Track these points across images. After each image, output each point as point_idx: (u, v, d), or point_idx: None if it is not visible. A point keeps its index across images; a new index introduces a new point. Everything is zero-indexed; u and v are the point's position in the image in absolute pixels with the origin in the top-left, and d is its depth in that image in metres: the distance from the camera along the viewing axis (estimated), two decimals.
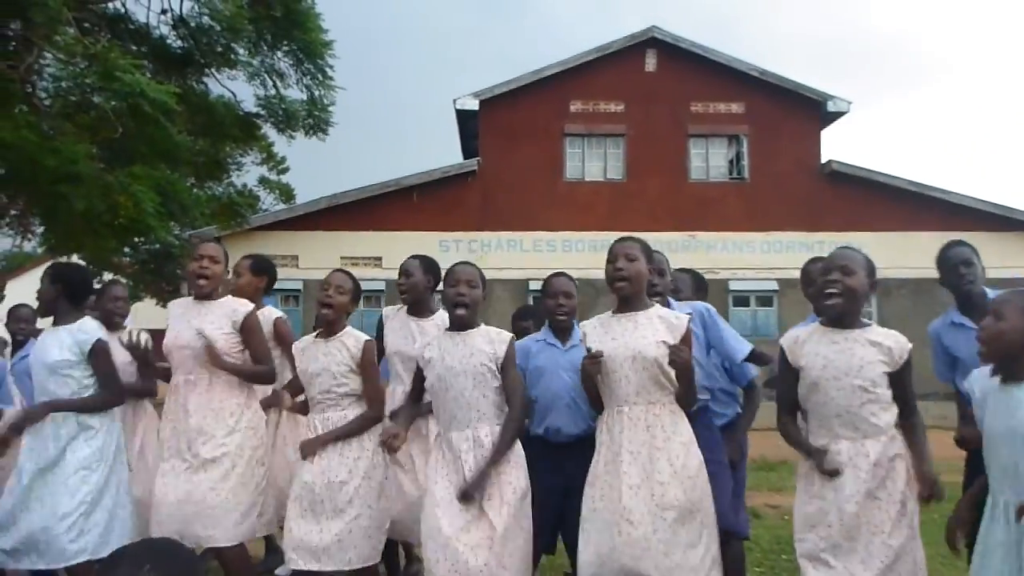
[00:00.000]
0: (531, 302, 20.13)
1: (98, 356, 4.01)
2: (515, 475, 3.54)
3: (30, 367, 4.19)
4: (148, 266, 23.90)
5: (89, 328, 4.06)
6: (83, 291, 4.22)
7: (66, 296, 4.08)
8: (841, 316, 3.27)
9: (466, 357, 3.61)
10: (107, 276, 23.82)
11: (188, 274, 4.10)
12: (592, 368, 3.44)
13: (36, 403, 4.00)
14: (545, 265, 19.96)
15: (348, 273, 4.02)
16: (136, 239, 9.90)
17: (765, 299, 20.65)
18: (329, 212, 19.89)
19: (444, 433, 3.64)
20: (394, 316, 4.78)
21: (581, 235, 20.13)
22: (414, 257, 4.77)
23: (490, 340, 3.66)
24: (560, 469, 3.87)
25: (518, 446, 3.63)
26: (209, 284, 4.12)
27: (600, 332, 3.53)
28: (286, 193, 26.33)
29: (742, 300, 20.41)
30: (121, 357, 4.34)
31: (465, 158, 22.27)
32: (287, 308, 19.81)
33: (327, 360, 3.87)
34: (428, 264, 4.72)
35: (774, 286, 20.50)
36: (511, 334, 3.74)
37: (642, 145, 20.63)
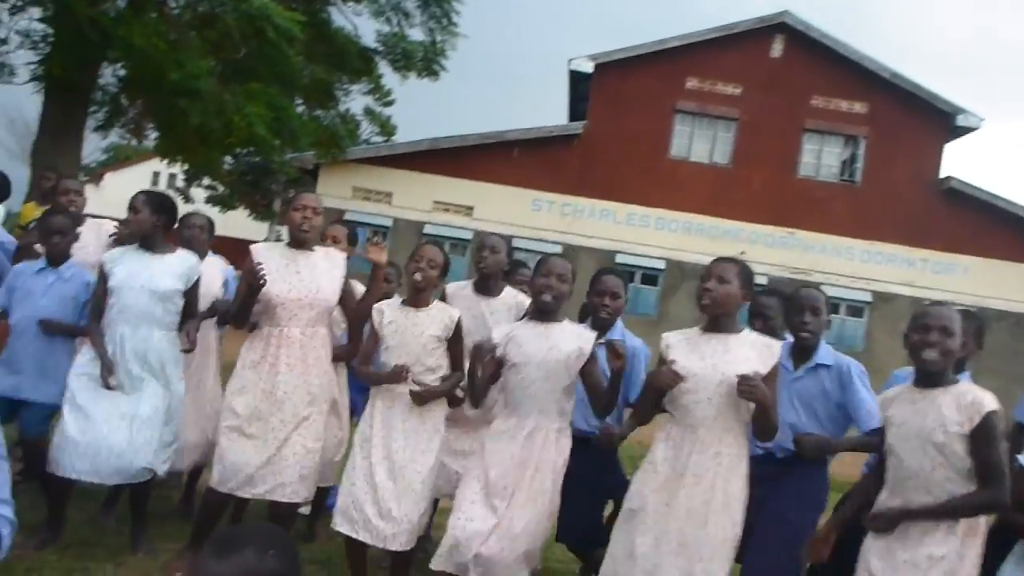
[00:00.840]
0: None
1: (195, 289, 4.19)
2: (561, 463, 3.61)
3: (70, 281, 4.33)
4: (246, 177, 24.43)
5: (193, 261, 4.20)
6: (175, 222, 4.38)
7: (165, 227, 4.19)
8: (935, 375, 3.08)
9: (544, 350, 3.59)
10: (205, 182, 24.40)
11: (289, 223, 4.03)
12: (669, 382, 3.33)
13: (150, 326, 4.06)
14: (636, 239, 19.74)
15: (440, 247, 3.94)
16: (240, 150, 10.03)
17: (856, 309, 20.03)
18: (427, 155, 19.92)
19: (505, 418, 3.65)
20: (460, 294, 4.54)
21: (676, 215, 19.75)
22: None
23: (576, 335, 3.64)
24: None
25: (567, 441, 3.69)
26: (311, 235, 4.06)
27: (686, 350, 3.42)
28: (388, 128, 26.49)
29: (832, 307, 19.82)
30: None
31: (571, 120, 22.02)
32: None
33: (416, 331, 3.82)
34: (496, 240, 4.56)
35: (868, 297, 19.86)
36: (595, 332, 3.72)
37: (754, 133, 20.03)
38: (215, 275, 4.79)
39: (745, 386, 3.17)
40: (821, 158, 20.34)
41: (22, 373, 4.15)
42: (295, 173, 19.71)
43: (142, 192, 4.22)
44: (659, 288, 19.99)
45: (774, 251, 19.71)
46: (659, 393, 3.40)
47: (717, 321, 3.40)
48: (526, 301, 4.37)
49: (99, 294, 4.10)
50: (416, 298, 3.87)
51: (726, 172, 20.11)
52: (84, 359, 4.03)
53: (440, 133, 20.14)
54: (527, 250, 19.87)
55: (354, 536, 3.67)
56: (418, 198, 19.93)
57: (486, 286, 4.47)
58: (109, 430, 3.86)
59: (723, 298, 3.35)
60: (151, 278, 4.03)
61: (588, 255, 19.85)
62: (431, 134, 20.30)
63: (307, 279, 3.99)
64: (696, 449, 3.29)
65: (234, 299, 4.34)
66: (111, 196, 34.39)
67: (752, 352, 3.33)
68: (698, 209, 19.59)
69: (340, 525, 3.71)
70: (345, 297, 4.15)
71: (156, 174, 37.88)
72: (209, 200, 26.30)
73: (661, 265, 19.83)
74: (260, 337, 3.97)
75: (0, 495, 2.67)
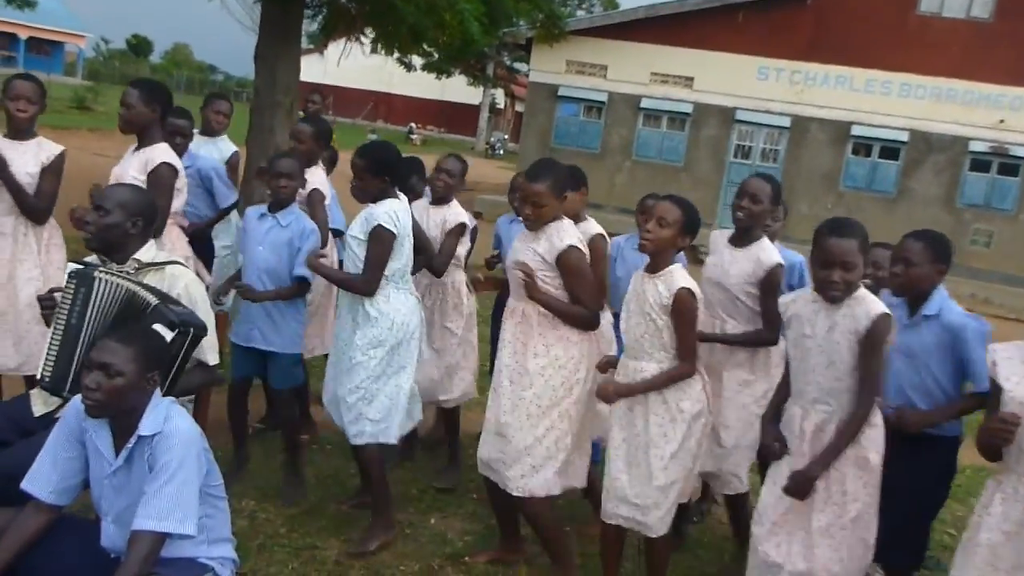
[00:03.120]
0: (851, 148, 18.36)
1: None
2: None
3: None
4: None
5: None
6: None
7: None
8: None
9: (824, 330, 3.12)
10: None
11: (519, 205, 3.75)
12: (1003, 436, 2.65)
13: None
14: (875, 108, 17.94)
15: (678, 202, 3.46)
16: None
17: None
18: (644, 23, 18.85)
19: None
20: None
21: (924, 80, 17.63)
22: None
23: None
24: None
25: None
26: (537, 217, 3.65)
27: (1019, 367, 2.77)
28: (610, 3, 25.32)
29: None
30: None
31: None
32: (589, 119, 19.53)
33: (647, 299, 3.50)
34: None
35: None
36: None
37: None
38: None
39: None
40: None
41: (253, 322, 4.23)
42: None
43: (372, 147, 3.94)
44: (900, 163, 18.18)
45: None
46: (996, 449, 2.74)
47: None
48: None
49: None
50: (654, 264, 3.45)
51: (986, 27, 17.53)
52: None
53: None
54: (752, 123, 18.64)
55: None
56: (634, 70, 19.05)
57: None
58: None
59: None
60: (364, 222, 3.89)
61: (820, 127, 18.34)
62: (649, 1, 19.14)
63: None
64: None
65: None
66: (334, 66, 35.73)
67: None
68: (950, 72, 17.35)
69: None
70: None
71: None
72: (425, 67, 26.52)
73: (904, 137, 17.95)
74: None
75: (222, 534, 2.74)
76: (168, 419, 2.53)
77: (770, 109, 18.44)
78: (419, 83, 42.06)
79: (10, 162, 3.99)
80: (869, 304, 2.96)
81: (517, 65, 34.52)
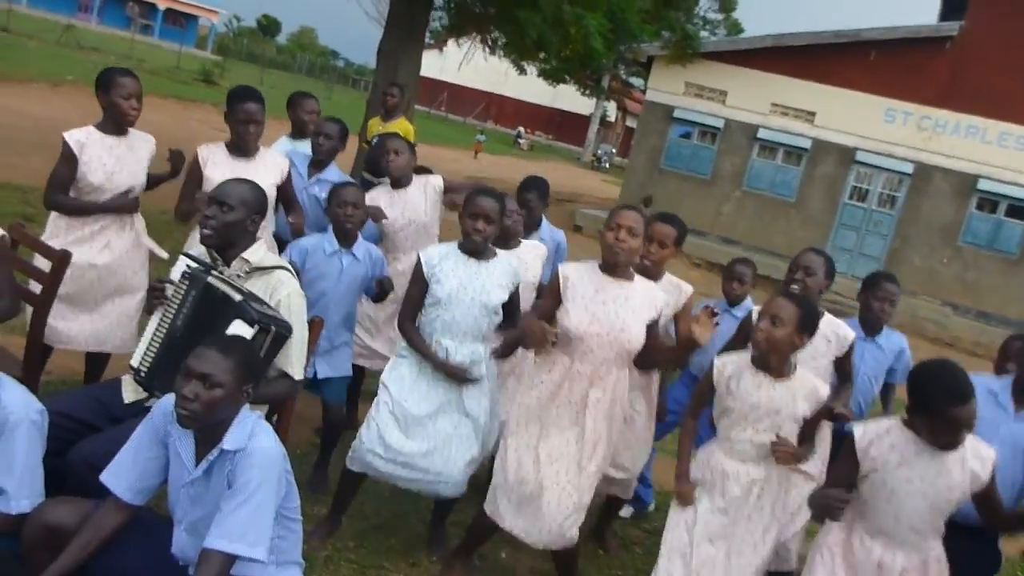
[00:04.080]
0: (976, 202, 17.45)
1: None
2: None
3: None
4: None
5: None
6: None
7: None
8: None
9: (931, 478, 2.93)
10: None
11: (607, 247, 3.36)
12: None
13: None
14: (1006, 164, 17.03)
15: (793, 298, 3.25)
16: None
17: None
18: (770, 52, 18.35)
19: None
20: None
21: None
22: None
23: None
24: None
25: None
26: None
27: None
28: (735, 28, 24.91)
29: None
30: None
31: (943, 20, 19.08)
32: (702, 144, 19.15)
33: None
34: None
35: None
36: None
37: None
38: None
39: None
40: None
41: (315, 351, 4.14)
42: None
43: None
44: None
45: None
46: None
47: None
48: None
49: None
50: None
51: None
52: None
53: (784, 30, 18.42)
54: (873, 165, 17.94)
55: None
56: (755, 99, 18.57)
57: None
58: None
59: None
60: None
61: (944, 177, 17.52)
62: (775, 30, 18.62)
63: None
64: None
65: None
66: (451, 63, 36.16)
67: None
68: None
69: None
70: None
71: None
72: (541, 73, 26.53)
73: None
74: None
75: (292, 556, 2.66)
76: (253, 436, 2.45)
77: (893, 153, 17.71)
78: (531, 87, 42.22)
79: (120, 161, 4.01)
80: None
81: (633, 80, 34.25)
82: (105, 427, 3.04)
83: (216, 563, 2.34)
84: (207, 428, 2.45)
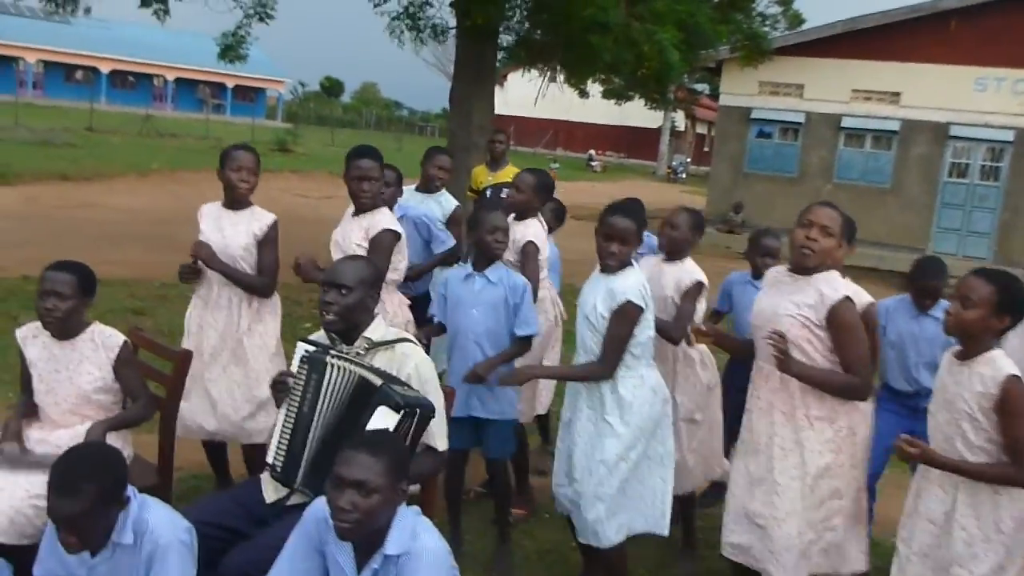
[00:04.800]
0: None
1: None
2: None
3: None
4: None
5: None
6: None
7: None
8: None
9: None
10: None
11: (796, 247, 3.17)
12: None
13: None
14: None
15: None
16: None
17: None
18: (843, 38, 17.76)
19: None
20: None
21: None
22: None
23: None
24: None
25: None
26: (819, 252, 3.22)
27: None
28: (796, 19, 24.37)
29: None
30: None
31: None
32: (784, 142, 18.60)
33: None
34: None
35: None
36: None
37: None
38: None
39: None
40: None
41: (470, 389, 3.92)
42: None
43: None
44: None
45: None
46: None
47: None
48: None
49: None
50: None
51: None
52: None
53: (860, 12, 17.79)
54: (969, 138, 17.09)
55: None
56: (834, 88, 17.96)
57: None
58: None
59: None
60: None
61: None
62: (851, 14, 17.99)
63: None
64: None
65: None
66: (513, 96, 36.24)
67: None
68: None
69: None
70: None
71: None
72: (605, 94, 26.33)
73: None
74: None
75: None
76: (415, 536, 2.27)
77: (990, 123, 16.85)
78: (597, 109, 41.95)
79: (223, 233, 3.95)
80: None
81: (698, 86, 33.72)
82: (251, 530, 2.92)
83: None
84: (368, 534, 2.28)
